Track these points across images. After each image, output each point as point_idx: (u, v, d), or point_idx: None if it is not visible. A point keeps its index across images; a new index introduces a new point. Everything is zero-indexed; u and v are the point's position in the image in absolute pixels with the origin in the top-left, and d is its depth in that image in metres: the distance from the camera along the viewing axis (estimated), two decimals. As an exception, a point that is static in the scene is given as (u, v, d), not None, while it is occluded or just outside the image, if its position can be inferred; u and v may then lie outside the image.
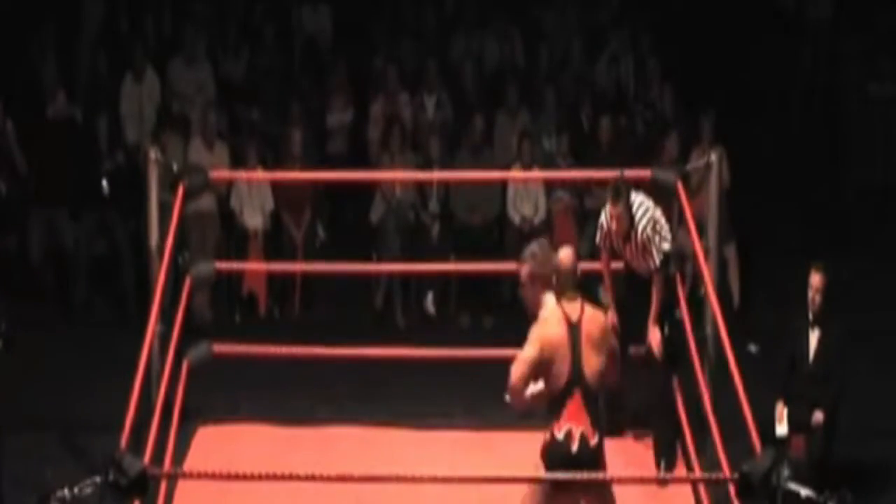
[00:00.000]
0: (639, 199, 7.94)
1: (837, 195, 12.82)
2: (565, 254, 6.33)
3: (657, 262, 7.91)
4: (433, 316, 11.05)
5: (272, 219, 11.13)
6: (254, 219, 11.07)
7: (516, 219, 11.18)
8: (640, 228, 7.87)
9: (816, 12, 14.23)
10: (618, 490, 6.28)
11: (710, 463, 7.86)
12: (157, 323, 7.85)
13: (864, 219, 12.42)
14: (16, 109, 11.25)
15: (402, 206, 11.15)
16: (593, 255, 10.82)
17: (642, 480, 7.04)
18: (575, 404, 6.16)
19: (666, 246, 7.93)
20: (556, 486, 6.16)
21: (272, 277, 11.03)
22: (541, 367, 6.18)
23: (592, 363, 6.19)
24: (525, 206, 11.20)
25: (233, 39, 12.66)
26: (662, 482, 7.79)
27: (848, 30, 13.88)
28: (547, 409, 6.22)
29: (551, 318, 6.21)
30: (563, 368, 6.16)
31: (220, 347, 8.70)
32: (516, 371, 6.17)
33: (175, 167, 8.73)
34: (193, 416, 8.57)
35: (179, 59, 12.12)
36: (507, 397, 6.27)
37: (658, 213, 7.96)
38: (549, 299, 6.27)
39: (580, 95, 12.26)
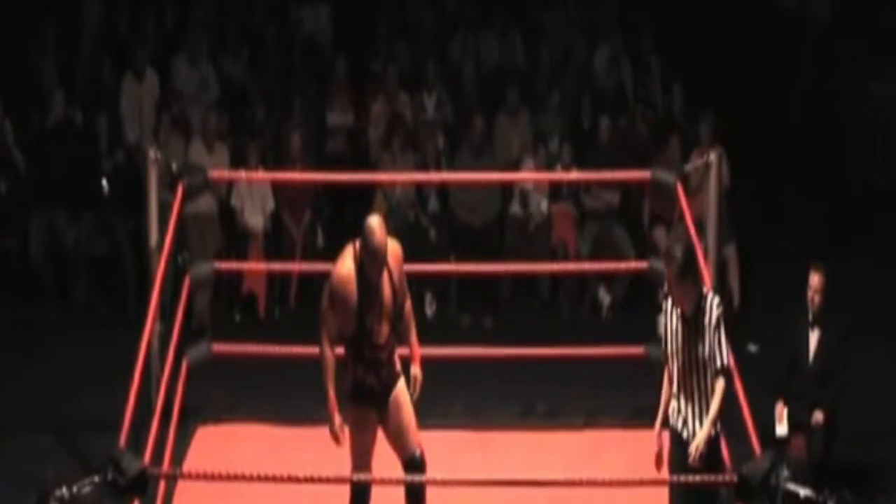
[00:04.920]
0: (710, 294, 6.53)
1: (837, 195, 12.81)
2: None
3: (724, 361, 6.44)
4: (432, 317, 11.03)
5: (272, 219, 11.13)
6: (254, 219, 11.06)
7: (515, 219, 11.18)
8: (713, 317, 6.41)
9: (816, 12, 14.23)
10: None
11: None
12: (156, 322, 7.86)
13: (865, 218, 12.41)
14: (15, 109, 11.26)
15: (402, 206, 11.14)
16: (594, 255, 10.92)
17: (643, 483, 7.05)
18: None
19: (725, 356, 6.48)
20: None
21: (272, 277, 11.03)
22: None
23: None
24: (525, 207, 11.20)
25: (233, 39, 12.65)
26: (664, 484, 7.75)
27: (848, 30, 13.87)
28: None
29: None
30: None
31: (220, 347, 8.70)
32: None
33: (175, 167, 8.73)
34: (193, 416, 8.57)
35: (182, 58, 12.11)
36: None
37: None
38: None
39: (580, 96, 12.26)
